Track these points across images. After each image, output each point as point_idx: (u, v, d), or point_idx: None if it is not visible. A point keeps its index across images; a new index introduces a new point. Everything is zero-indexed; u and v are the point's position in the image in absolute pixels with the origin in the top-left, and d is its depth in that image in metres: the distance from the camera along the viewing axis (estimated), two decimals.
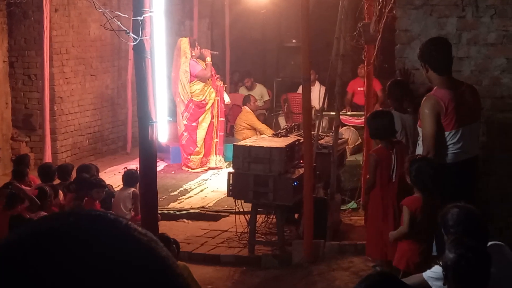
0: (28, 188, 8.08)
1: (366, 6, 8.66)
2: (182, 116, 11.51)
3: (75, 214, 0.90)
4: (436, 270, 3.97)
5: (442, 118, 5.48)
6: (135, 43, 5.63)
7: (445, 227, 4.06)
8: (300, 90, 13.32)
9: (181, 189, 10.51)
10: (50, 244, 0.83)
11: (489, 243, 3.92)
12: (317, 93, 11.68)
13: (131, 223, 0.89)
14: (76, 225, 0.87)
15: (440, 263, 3.56)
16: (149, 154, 5.91)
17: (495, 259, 3.55)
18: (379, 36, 8.47)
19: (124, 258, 0.84)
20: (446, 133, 5.51)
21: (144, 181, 6.07)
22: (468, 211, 4.05)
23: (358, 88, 12.69)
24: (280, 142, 7.73)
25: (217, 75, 11.81)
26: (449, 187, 5.41)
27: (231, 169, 7.96)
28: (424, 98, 5.63)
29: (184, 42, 11.50)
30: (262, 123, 13.08)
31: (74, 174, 8.65)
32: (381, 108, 12.08)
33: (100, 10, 6.20)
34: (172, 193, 10.22)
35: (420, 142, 5.73)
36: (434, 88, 5.64)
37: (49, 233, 0.85)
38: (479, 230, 3.93)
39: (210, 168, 11.55)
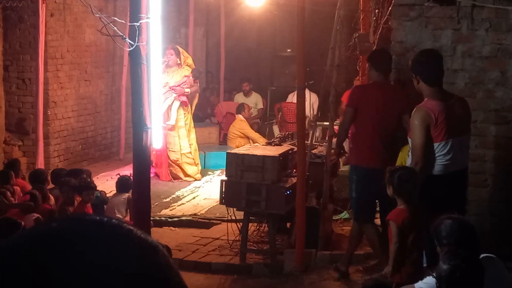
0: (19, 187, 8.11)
1: (361, 17, 8.70)
2: None
3: (74, 219, 0.90)
4: (428, 281, 3.97)
5: (432, 129, 5.49)
6: (131, 49, 5.63)
7: (438, 239, 4.06)
8: (289, 98, 13.37)
9: (173, 196, 10.50)
10: (44, 249, 0.83)
11: (481, 256, 3.93)
12: (308, 100, 11.70)
13: (134, 229, 0.89)
14: (73, 230, 0.86)
15: (433, 274, 3.57)
16: (143, 160, 5.91)
17: (487, 271, 3.56)
18: (374, 47, 8.51)
19: (120, 265, 0.83)
20: (436, 144, 5.52)
21: (138, 187, 6.07)
22: (461, 222, 4.06)
23: None
24: (274, 151, 7.73)
25: (173, 88, 11.16)
26: (438, 198, 5.41)
27: (223, 177, 7.96)
28: (414, 109, 5.65)
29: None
30: (256, 131, 13.09)
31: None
32: None
33: (97, 15, 6.21)
34: (164, 200, 10.21)
35: (409, 153, 5.74)
36: (425, 100, 5.66)
37: (44, 238, 0.85)
38: (472, 241, 3.94)
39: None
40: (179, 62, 11.27)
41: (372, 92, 6.82)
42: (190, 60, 11.52)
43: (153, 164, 11.28)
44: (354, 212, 7.11)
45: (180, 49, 11.56)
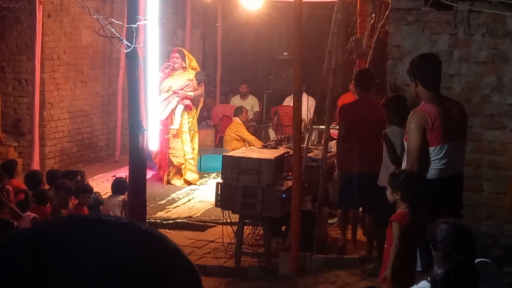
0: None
1: (358, 21, 8.71)
2: None
3: (74, 217, 0.90)
4: (422, 285, 3.97)
5: (428, 133, 5.50)
6: (128, 50, 5.63)
7: (433, 243, 4.06)
8: (286, 102, 13.38)
9: (169, 198, 10.49)
10: (44, 247, 0.83)
11: (476, 260, 3.93)
12: (305, 104, 11.71)
13: (142, 226, 0.88)
14: (74, 228, 0.86)
15: (428, 278, 3.57)
16: (138, 162, 5.91)
17: (482, 276, 3.56)
18: (371, 51, 8.52)
19: (121, 262, 0.83)
20: (432, 148, 5.52)
21: (133, 189, 6.06)
22: (457, 227, 4.06)
23: None
24: (269, 154, 7.73)
25: (176, 92, 11.06)
26: (434, 202, 5.41)
27: (219, 180, 7.96)
28: (411, 113, 5.66)
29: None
30: (252, 134, 13.08)
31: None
32: None
33: (94, 17, 6.21)
34: (160, 202, 10.20)
35: (405, 157, 5.75)
36: (422, 103, 5.67)
37: (44, 236, 0.85)
38: (467, 246, 3.94)
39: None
40: (184, 65, 11.21)
41: (358, 109, 7.61)
42: (194, 63, 11.45)
43: (157, 167, 11.29)
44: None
45: (185, 52, 11.51)
